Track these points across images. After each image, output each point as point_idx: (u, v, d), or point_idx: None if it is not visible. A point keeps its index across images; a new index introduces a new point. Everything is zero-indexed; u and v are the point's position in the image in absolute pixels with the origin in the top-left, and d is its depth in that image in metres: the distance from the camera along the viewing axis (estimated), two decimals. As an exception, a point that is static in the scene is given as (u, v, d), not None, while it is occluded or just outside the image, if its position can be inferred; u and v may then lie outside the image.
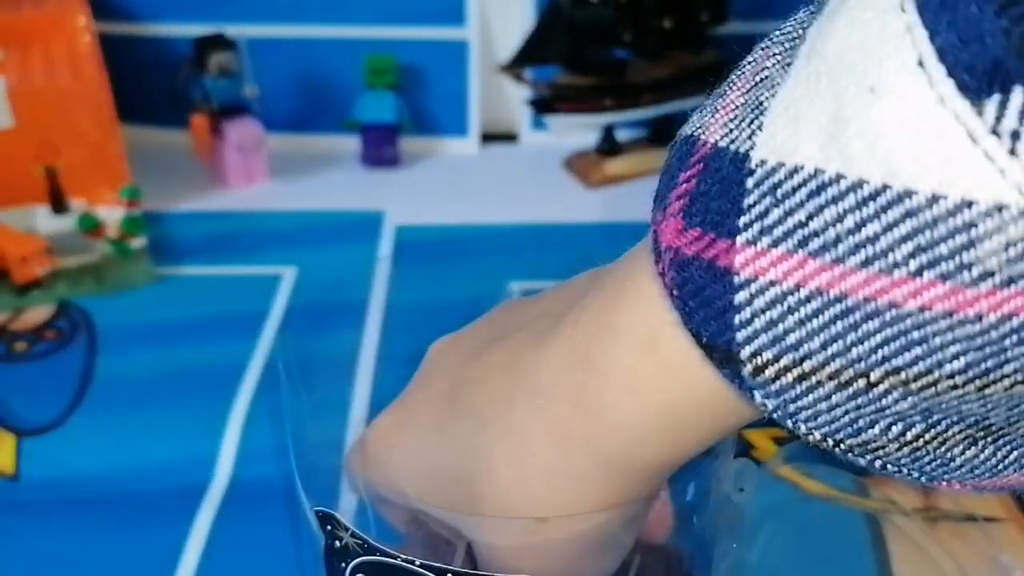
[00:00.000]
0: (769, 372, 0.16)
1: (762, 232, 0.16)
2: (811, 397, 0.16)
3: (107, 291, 0.47)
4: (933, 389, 0.15)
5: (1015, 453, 0.17)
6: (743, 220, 0.16)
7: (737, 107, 0.17)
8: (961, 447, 0.17)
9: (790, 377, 0.16)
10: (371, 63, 0.58)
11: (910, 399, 0.15)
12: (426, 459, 0.23)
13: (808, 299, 0.15)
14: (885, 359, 0.15)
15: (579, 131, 0.58)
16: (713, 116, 0.17)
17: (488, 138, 0.62)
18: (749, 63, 0.18)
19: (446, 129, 0.61)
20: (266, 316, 0.45)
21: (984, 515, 0.33)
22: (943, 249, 0.14)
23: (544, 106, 0.56)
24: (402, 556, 0.22)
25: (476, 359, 0.23)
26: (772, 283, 0.16)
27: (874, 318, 0.15)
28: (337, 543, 0.23)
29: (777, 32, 0.18)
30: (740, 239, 0.16)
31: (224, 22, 0.56)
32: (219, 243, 0.51)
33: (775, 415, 0.17)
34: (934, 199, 0.14)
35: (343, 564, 0.23)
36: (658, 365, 0.19)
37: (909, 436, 0.16)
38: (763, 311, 0.16)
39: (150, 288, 0.47)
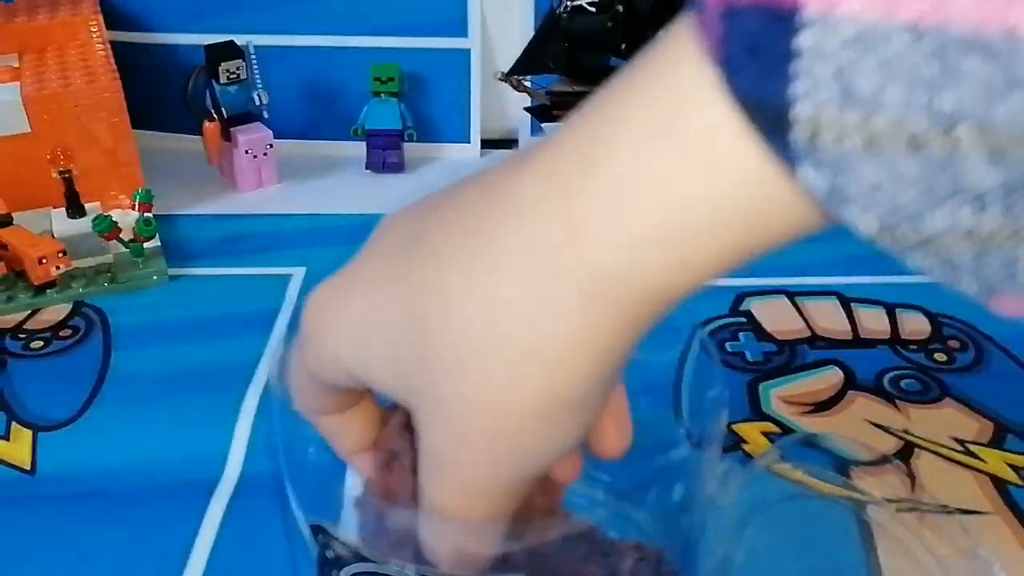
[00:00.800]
0: (829, 134, 0.13)
1: None
2: (875, 167, 0.13)
3: (121, 291, 0.48)
4: None
5: None
6: None
7: None
8: None
9: (856, 139, 0.13)
10: (376, 72, 0.59)
11: (997, 170, 0.13)
12: (374, 317, 0.19)
13: (893, 36, 0.13)
14: (981, 110, 0.12)
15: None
16: None
17: (489, 144, 0.63)
18: None
19: (449, 135, 0.62)
20: (276, 315, 0.46)
21: (967, 508, 0.34)
22: None
23: (543, 113, 0.57)
24: (395, 563, 0.22)
25: (437, 208, 0.19)
26: (849, 19, 0.13)
27: (978, 53, 0.12)
28: (329, 553, 0.23)
29: None
30: None
31: (234, 32, 0.57)
32: (230, 245, 0.52)
33: (823, 196, 0.14)
34: None
35: (336, 573, 0.23)
36: (678, 151, 0.15)
37: (981, 227, 0.13)
38: (832, 56, 0.13)
39: (163, 288, 0.48)
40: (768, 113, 0.14)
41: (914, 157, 0.13)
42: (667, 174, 0.15)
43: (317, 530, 0.24)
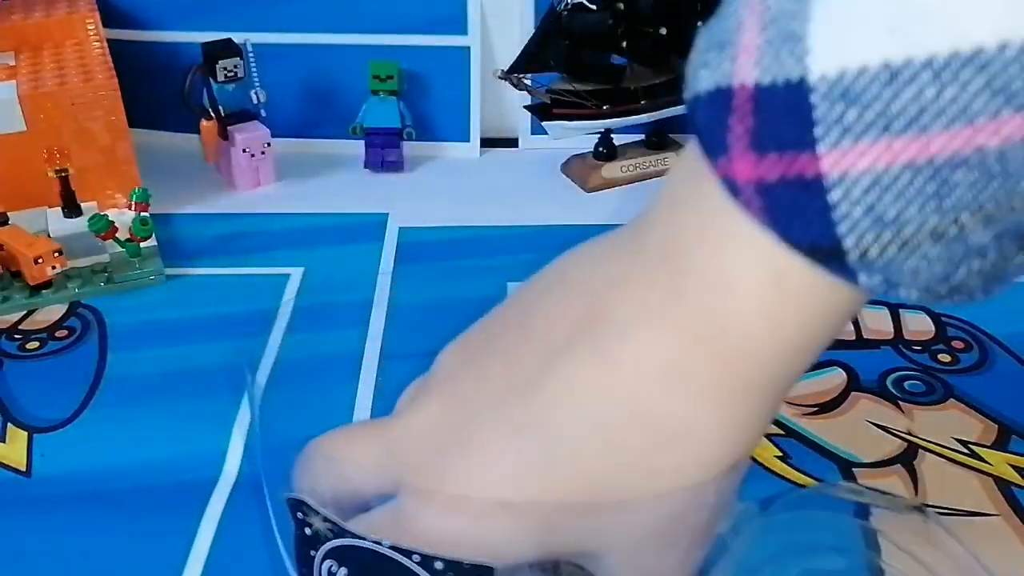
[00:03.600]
0: (874, 251, 0.18)
1: (843, 134, 0.17)
2: (913, 260, 0.18)
3: (118, 291, 0.47)
4: (1009, 211, 0.18)
5: None
6: (818, 131, 0.17)
7: (759, 46, 0.18)
8: (1016, 257, 0.19)
9: (893, 248, 0.18)
10: (375, 69, 0.59)
11: (991, 229, 0.18)
12: (514, 466, 0.22)
13: (899, 175, 0.17)
14: (973, 199, 0.17)
15: (577, 136, 0.58)
16: (734, 63, 0.18)
17: (489, 143, 0.63)
18: (740, 9, 0.19)
19: (448, 134, 0.62)
20: (274, 315, 0.46)
21: (972, 510, 0.34)
22: (1017, 85, 0.16)
23: (543, 111, 0.57)
24: (370, 538, 0.22)
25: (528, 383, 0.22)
26: (864, 172, 0.17)
27: (962, 167, 0.17)
28: (307, 530, 0.23)
29: None
30: (821, 147, 0.17)
31: (232, 29, 0.57)
32: (227, 244, 0.52)
33: (879, 289, 0.19)
34: (1002, 48, 0.16)
35: (312, 552, 0.23)
36: (779, 297, 0.20)
37: (987, 265, 0.18)
38: (859, 200, 0.17)
39: (160, 288, 0.48)
40: (823, 252, 0.18)
41: (936, 244, 0.18)
42: (776, 316, 0.20)
43: (297, 506, 0.23)
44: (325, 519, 0.23)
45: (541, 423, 0.22)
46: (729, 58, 0.18)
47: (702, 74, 0.19)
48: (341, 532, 0.22)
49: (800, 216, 0.18)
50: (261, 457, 0.26)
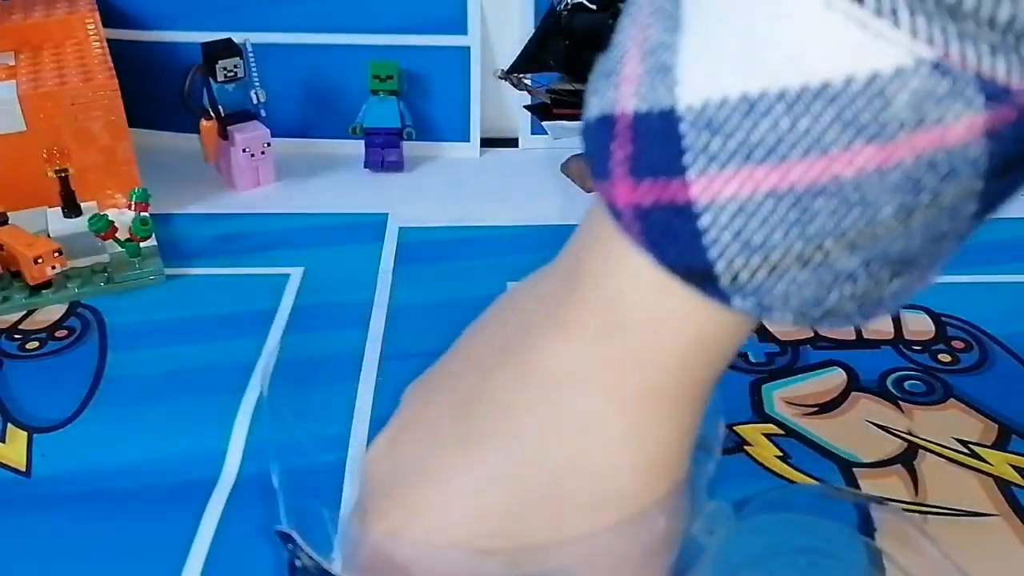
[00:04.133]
0: (744, 275, 0.19)
1: (709, 161, 0.18)
2: (782, 284, 0.19)
3: (118, 291, 0.47)
4: (873, 239, 0.18)
5: (932, 271, 0.20)
6: (687, 158, 0.18)
7: (639, 76, 0.19)
8: (890, 283, 0.19)
9: (762, 273, 0.19)
10: (375, 69, 0.59)
11: (857, 255, 0.18)
12: (477, 498, 0.23)
13: (763, 201, 0.18)
14: (835, 226, 0.18)
15: (577, 136, 0.58)
16: (617, 91, 0.19)
17: (489, 143, 0.63)
18: (626, 39, 0.20)
19: (448, 134, 0.62)
20: (274, 315, 0.46)
21: (972, 510, 0.34)
22: (865, 117, 0.17)
23: (543, 111, 0.57)
24: None
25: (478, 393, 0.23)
26: (729, 199, 0.18)
27: (821, 195, 0.18)
28: (297, 562, 0.24)
29: (633, 8, 0.20)
30: (690, 174, 0.18)
31: (232, 29, 0.57)
32: (227, 244, 0.52)
33: (753, 312, 0.19)
34: (848, 82, 0.17)
35: None
36: (665, 309, 0.21)
37: (859, 290, 0.19)
38: (727, 225, 0.18)
39: (160, 288, 0.48)
40: (697, 275, 0.19)
41: (803, 269, 0.18)
42: (670, 325, 0.21)
43: (286, 539, 0.24)
44: (310, 557, 0.23)
45: (476, 439, 0.23)
46: (613, 86, 0.19)
47: (592, 101, 0.20)
48: (323, 572, 0.23)
49: (674, 240, 0.19)
50: (277, 467, 0.26)
